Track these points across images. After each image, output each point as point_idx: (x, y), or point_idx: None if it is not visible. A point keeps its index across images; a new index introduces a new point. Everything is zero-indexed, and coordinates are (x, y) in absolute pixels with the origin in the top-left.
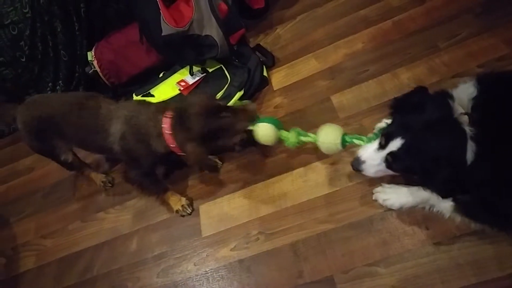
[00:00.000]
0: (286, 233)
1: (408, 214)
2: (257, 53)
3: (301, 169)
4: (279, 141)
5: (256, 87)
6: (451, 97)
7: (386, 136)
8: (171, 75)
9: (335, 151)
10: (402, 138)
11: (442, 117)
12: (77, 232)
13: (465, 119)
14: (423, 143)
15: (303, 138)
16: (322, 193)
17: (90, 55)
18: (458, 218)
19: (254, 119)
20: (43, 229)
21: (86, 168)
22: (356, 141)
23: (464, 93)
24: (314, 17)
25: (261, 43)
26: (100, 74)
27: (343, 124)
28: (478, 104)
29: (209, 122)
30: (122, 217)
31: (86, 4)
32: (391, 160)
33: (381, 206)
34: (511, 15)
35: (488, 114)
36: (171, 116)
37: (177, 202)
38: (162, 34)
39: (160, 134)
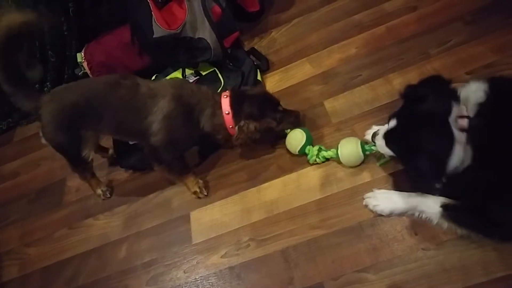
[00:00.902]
0: (277, 239)
1: (397, 219)
2: (252, 56)
3: (293, 174)
4: (302, 154)
5: None
6: (456, 97)
7: (390, 117)
8: (164, 78)
9: (358, 161)
10: (397, 121)
11: (435, 114)
12: (64, 239)
13: (463, 122)
14: (410, 130)
15: (325, 154)
16: (313, 198)
17: (80, 57)
18: (446, 224)
19: (298, 124)
20: (28, 236)
21: (90, 174)
22: (374, 148)
23: (472, 95)
24: (309, 21)
25: (255, 47)
26: (90, 76)
27: (335, 129)
28: (483, 111)
29: (267, 108)
30: (111, 223)
31: (75, 3)
32: (385, 139)
33: (372, 211)
34: (498, 24)
35: (491, 122)
36: (229, 96)
37: (194, 183)
38: (154, 36)
39: (214, 114)
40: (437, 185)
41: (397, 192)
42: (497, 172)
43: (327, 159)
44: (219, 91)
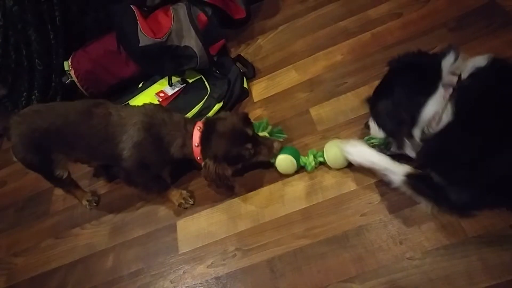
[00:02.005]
0: (263, 249)
1: (383, 229)
2: (238, 64)
3: (278, 183)
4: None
5: (236, 99)
6: (455, 51)
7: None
8: (150, 86)
9: (344, 162)
10: (381, 82)
11: (426, 64)
12: (51, 249)
13: (452, 78)
14: (392, 81)
15: (320, 159)
16: (299, 207)
17: (67, 65)
18: (405, 190)
19: (271, 157)
20: (15, 246)
21: (73, 186)
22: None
23: (474, 61)
24: (295, 27)
25: (242, 54)
26: (78, 84)
27: (321, 137)
28: (478, 75)
29: (234, 149)
30: (98, 233)
31: (62, 12)
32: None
33: (357, 220)
34: (482, 31)
35: (482, 88)
36: (201, 130)
37: (178, 196)
38: (140, 45)
39: (184, 145)
40: (412, 151)
41: (373, 150)
42: (467, 137)
43: (321, 163)
44: (205, 98)
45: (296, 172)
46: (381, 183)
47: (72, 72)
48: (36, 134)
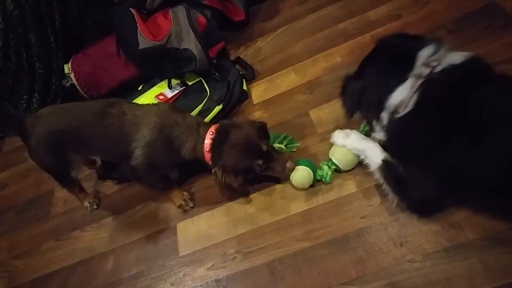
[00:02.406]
0: (263, 252)
1: (383, 231)
2: (237, 66)
3: (278, 186)
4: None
5: (235, 101)
6: (437, 45)
7: None
8: (150, 88)
9: (354, 163)
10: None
11: (404, 45)
12: (51, 252)
13: (425, 70)
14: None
15: (333, 167)
16: (299, 209)
17: (67, 68)
18: (377, 176)
19: (285, 175)
20: (16, 249)
21: (78, 187)
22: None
23: (452, 56)
24: (294, 29)
25: (241, 56)
26: (78, 87)
27: (320, 139)
28: (448, 71)
29: (244, 163)
30: (98, 235)
31: (61, 15)
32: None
33: (357, 223)
34: (482, 33)
35: (449, 83)
36: (213, 135)
37: (179, 197)
38: (139, 48)
39: (195, 148)
40: (380, 133)
41: (356, 133)
42: (423, 126)
43: (336, 170)
44: (205, 101)
45: (311, 186)
46: (382, 185)
47: (72, 75)
48: (53, 136)
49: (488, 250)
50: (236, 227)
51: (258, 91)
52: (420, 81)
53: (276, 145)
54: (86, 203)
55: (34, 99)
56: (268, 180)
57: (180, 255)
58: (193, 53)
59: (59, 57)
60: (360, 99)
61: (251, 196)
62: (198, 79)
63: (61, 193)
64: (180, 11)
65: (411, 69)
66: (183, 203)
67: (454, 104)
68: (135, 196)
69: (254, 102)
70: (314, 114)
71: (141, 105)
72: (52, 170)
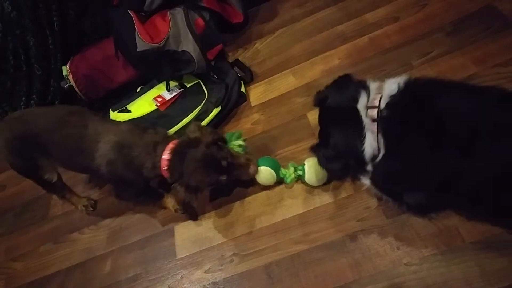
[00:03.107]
0: (261, 254)
1: (380, 234)
2: (236, 68)
3: (276, 189)
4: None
5: (233, 103)
6: (366, 88)
7: None
8: (148, 90)
9: (321, 181)
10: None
11: (342, 107)
12: (49, 254)
13: (373, 112)
14: (324, 130)
15: (300, 172)
16: (296, 212)
17: (65, 70)
18: (374, 190)
19: (249, 176)
20: (14, 251)
21: (67, 191)
22: None
23: (387, 88)
24: (292, 32)
25: (240, 58)
26: (76, 89)
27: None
28: (392, 104)
29: (209, 180)
30: (96, 237)
31: (60, 17)
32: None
33: (354, 226)
34: (479, 35)
35: (400, 113)
36: (170, 153)
37: (174, 202)
38: (137, 50)
39: (154, 167)
40: (366, 177)
41: None
42: (401, 161)
43: (299, 178)
44: (203, 103)
45: (276, 184)
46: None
47: (70, 77)
48: (17, 141)
49: (484, 253)
50: (233, 230)
51: (256, 94)
52: (375, 125)
53: (234, 143)
54: (81, 207)
55: (32, 101)
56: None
57: (177, 258)
58: (191, 55)
59: (57, 59)
60: (343, 163)
61: (248, 199)
62: (196, 81)
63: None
64: (178, 13)
65: (361, 123)
66: (179, 206)
67: (413, 129)
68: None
69: (252, 105)
70: (312, 116)
71: (105, 120)
72: (23, 173)
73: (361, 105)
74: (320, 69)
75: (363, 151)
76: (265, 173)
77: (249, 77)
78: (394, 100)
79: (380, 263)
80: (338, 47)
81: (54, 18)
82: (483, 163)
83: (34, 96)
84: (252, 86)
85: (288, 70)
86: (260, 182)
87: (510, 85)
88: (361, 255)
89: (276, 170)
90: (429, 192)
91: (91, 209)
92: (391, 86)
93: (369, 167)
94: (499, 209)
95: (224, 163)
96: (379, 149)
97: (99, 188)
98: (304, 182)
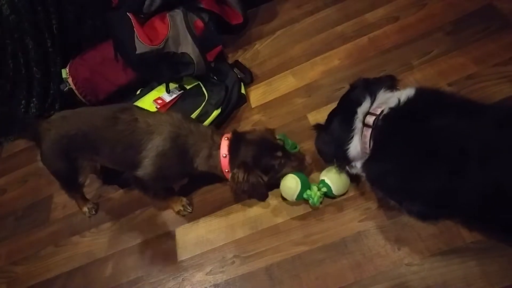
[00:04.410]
0: (262, 256)
1: (380, 235)
2: (235, 69)
3: (277, 190)
4: (301, 200)
5: (234, 105)
6: (373, 96)
7: None
8: (148, 92)
9: (347, 187)
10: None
11: (348, 105)
12: (50, 257)
13: (369, 119)
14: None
15: (324, 189)
16: (297, 214)
17: (65, 73)
18: (377, 192)
19: (302, 170)
20: (15, 254)
21: (80, 194)
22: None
23: (391, 98)
24: (292, 32)
25: (240, 59)
26: (76, 91)
27: None
28: (389, 116)
29: (263, 157)
30: (97, 240)
31: (58, 20)
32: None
33: (355, 226)
34: (479, 34)
35: (390, 126)
36: (229, 139)
37: (178, 203)
38: (137, 53)
39: (210, 156)
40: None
41: None
42: (385, 170)
43: (326, 195)
44: (203, 105)
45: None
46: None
47: (70, 80)
48: (64, 141)
49: (485, 253)
50: (234, 231)
51: (256, 95)
52: (370, 131)
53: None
54: (85, 209)
55: (32, 104)
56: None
57: (179, 260)
58: (191, 57)
59: (56, 62)
60: (332, 150)
61: (249, 201)
62: (196, 83)
63: (60, 198)
64: (177, 15)
65: (352, 126)
66: (182, 208)
67: (403, 142)
68: (134, 201)
69: (253, 106)
70: (312, 117)
71: (153, 112)
72: (60, 175)
73: (361, 109)
74: (320, 70)
75: (347, 150)
76: (290, 180)
77: (249, 79)
78: (390, 113)
79: (381, 263)
80: (338, 47)
81: (53, 21)
82: (473, 183)
83: (34, 99)
84: (252, 88)
85: (288, 71)
86: (282, 192)
87: (510, 85)
88: (362, 256)
89: (304, 186)
90: (424, 203)
91: (94, 212)
92: (394, 98)
93: (357, 164)
94: (495, 225)
95: (280, 141)
96: (365, 153)
97: (102, 191)
98: (330, 197)
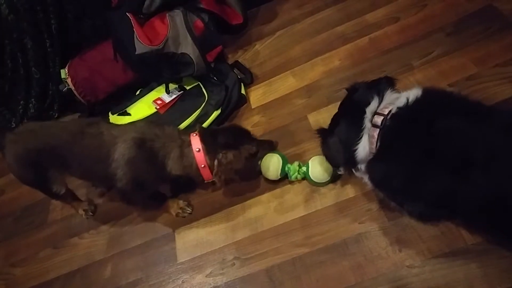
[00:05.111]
0: (262, 258)
1: (381, 236)
2: (235, 70)
3: (277, 191)
4: (284, 176)
5: (234, 105)
6: (380, 96)
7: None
8: (148, 93)
9: (326, 178)
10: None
11: (355, 104)
12: (48, 259)
13: (377, 119)
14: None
15: (304, 169)
16: (298, 215)
17: (64, 73)
18: (378, 192)
19: (274, 149)
20: (13, 256)
21: (70, 197)
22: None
23: (399, 98)
24: (292, 33)
25: (240, 60)
26: (75, 92)
27: (318, 144)
28: (397, 116)
29: (242, 137)
30: (96, 242)
31: (58, 20)
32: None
33: (356, 228)
34: (480, 35)
35: (399, 126)
36: (199, 133)
37: (175, 206)
38: (136, 53)
39: (182, 154)
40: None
41: None
42: (390, 170)
43: (305, 176)
44: (203, 105)
45: (279, 180)
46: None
47: (69, 80)
48: (31, 154)
49: (487, 255)
50: (234, 233)
51: (257, 95)
52: (377, 131)
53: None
54: (81, 211)
55: (31, 104)
56: (267, 183)
57: (178, 262)
58: (191, 57)
59: (55, 62)
60: (341, 154)
61: (249, 202)
62: (196, 84)
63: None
64: (177, 15)
65: (361, 125)
66: (180, 211)
67: (410, 143)
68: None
69: (253, 106)
70: (312, 118)
71: (119, 125)
72: (31, 185)
73: (369, 109)
74: (321, 70)
75: (355, 150)
76: (269, 158)
77: (249, 79)
78: (399, 113)
79: (382, 265)
80: (338, 48)
81: (52, 21)
82: (475, 187)
83: (33, 99)
84: (252, 88)
85: (288, 71)
86: (266, 172)
87: (510, 86)
88: (363, 258)
89: (284, 162)
90: (427, 205)
91: (91, 214)
92: (402, 98)
93: (362, 167)
94: (496, 230)
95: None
96: (371, 154)
97: (100, 192)
98: (309, 180)
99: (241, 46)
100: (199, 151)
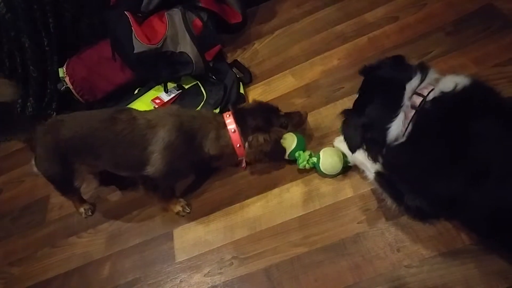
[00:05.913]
0: (260, 257)
1: (379, 236)
2: (234, 69)
3: (275, 190)
4: (293, 159)
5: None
6: (424, 73)
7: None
8: (146, 92)
9: (337, 170)
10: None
11: (393, 80)
12: (47, 258)
13: (416, 100)
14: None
15: (314, 160)
16: (296, 215)
17: (62, 72)
18: (376, 187)
19: (303, 124)
20: (11, 255)
21: (78, 195)
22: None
23: (444, 82)
24: (291, 32)
25: (238, 59)
26: (73, 91)
27: (318, 143)
28: (440, 101)
29: (271, 117)
30: (94, 241)
31: (55, 19)
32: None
33: (354, 228)
34: (479, 35)
35: (437, 114)
36: (232, 114)
37: (176, 204)
38: (135, 52)
39: (219, 135)
40: (379, 159)
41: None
42: (414, 158)
43: (314, 166)
44: (201, 104)
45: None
46: (377, 190)
47: (67, 79)
48: (60, 145)
49: (484, 255)
50: (233, 232)
51: (255, 95)
52: (412, 112)
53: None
54: (82, 210)
55: (29, 103)
56: (265, 182)
57: (176, 261)
58: (189, 56)
59: (53, 61)
60: (364, 136)
61: (247, 201)
62: (194, 83)
63: (57, 199)
64: (176, 14)
65: (400, 102)
66: (181, 209)
67: (444, 135)
68: (131, 202)
69: None
70: (312, 117)
71: (150, 110)
72: (56, 180)
73: (410, 86)
74: (320, 70)
75: (388, 128)
76: (286, 136)
77: (248, 78)
78: (443, 98)
79: (380, 265)
80: (337, 47)
81: (50, 20)
82: (484, 197)
83: (31, 98)
84: (251, 87)
85: (287, 70)
86: (286, 145)
87: (510, 85)
88: (361, 258)
89: (300, 146)
90: (431, 201)
91: (90, 213)
92: (448, 83)
93: (383, 151)
94: (495, 239)
95: (276, 106)
96: (400, 136)
97: (99, 192)
98: (318, 171)
99: (240, 45)
100: (234, 131)
